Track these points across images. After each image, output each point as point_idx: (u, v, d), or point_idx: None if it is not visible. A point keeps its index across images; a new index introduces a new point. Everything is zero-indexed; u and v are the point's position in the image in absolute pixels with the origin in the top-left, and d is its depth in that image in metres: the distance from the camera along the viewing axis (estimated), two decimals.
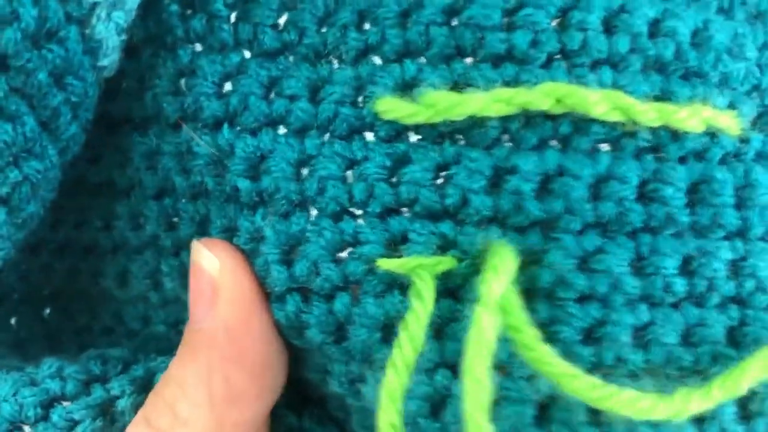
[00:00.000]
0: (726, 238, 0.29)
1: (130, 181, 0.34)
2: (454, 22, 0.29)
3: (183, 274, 0.34)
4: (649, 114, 0.28)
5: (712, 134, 0.29)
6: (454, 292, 0.28)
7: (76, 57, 0.29)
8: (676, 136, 0.29)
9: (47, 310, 0.41)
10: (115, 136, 0.34)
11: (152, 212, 0.34)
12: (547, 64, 0.28)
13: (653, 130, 0.28)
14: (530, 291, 0.27)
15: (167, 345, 0.36)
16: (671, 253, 0.28)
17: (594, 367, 0.27)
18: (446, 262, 0.28)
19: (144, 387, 0.32)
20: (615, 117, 0.28)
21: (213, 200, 0.32)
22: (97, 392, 0.32)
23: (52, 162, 0.31)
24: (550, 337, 0.27)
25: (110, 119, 0.33)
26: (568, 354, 0.27)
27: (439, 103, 0.28)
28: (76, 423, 0.31)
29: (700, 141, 0.29)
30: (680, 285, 0.28)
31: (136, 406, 0.31)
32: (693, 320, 0.28)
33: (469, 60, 0.29)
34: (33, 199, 0.31)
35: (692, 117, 0.28)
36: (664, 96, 0.29)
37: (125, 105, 0.33)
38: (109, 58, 0.31)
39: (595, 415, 0.27)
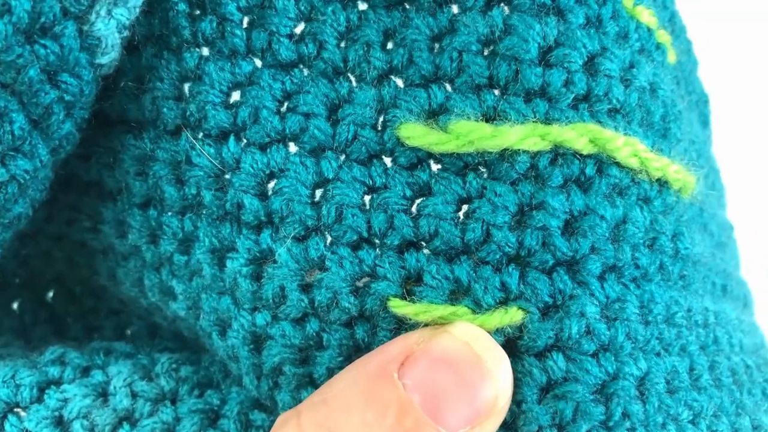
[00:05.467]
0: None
1: (117, 185, 0.32)
2: (488, 52, 0.28)
3: (163, 290, 0.33)
4: (655, 164, 0.29)
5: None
6: None
7: (72, 54, 0.27)
8: (660, 189, 0.30)
9: (50, 293, 0.39)
10: (107, 136, 0.31)
11: (136, 222, 0.32)
12: (574, 104, 0.28)
13: (650, 181, 0.30)
14: (554, 344, 0.27)
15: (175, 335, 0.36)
16: (661, 301, 0.29)
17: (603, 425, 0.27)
18: (457, 314, 0.27)
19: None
20: (633, 163, 0.29)
21: (204, 217, 0.30)
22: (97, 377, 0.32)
23: (42, 161, 0.29)
24: (561, 396, 0.27)
25: (104, 118, 0.31)
26: (579, 413, 0.27)
27: (471, 134, 0.27)
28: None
29: (673, 197, 0.31)
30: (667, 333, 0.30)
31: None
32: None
33: (497, 92, 0.28)
34: (21, 198, 0.29)
35: (680, 173, 0.30)
36: (654, 149, 0.30)
37: (121, 105, 0.31)
38: (109, 56, 0.29)
39: None
